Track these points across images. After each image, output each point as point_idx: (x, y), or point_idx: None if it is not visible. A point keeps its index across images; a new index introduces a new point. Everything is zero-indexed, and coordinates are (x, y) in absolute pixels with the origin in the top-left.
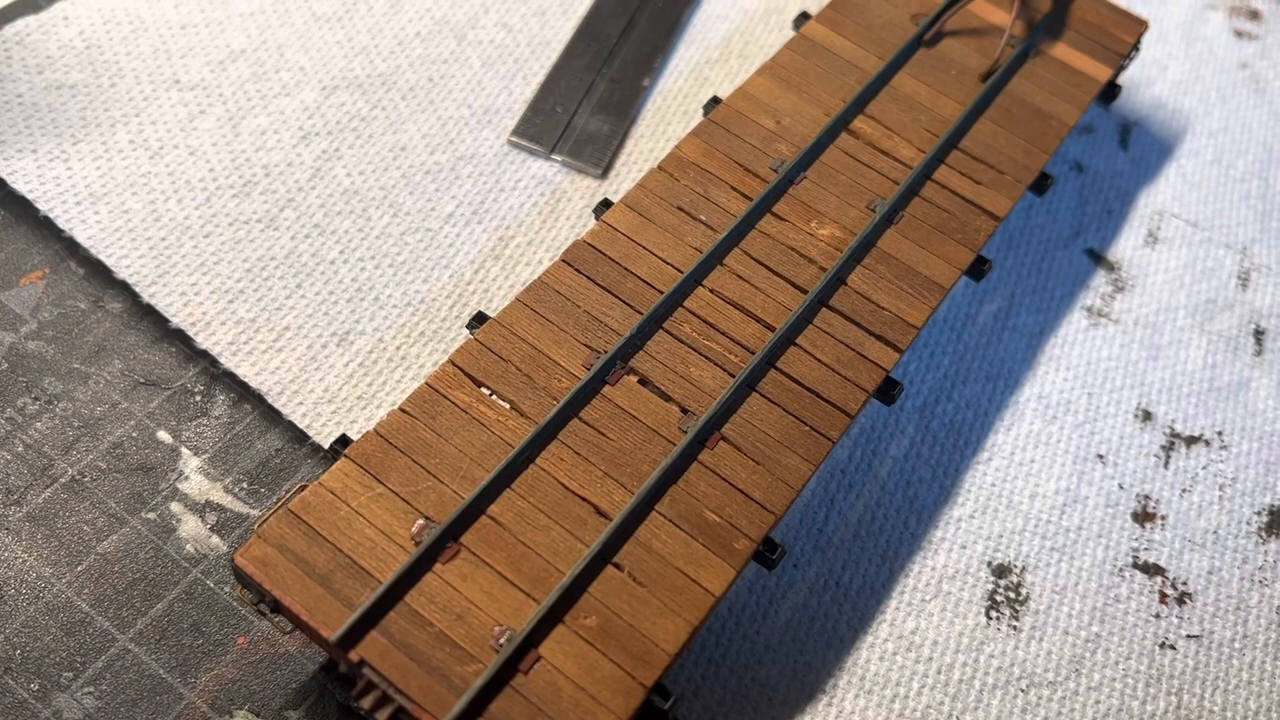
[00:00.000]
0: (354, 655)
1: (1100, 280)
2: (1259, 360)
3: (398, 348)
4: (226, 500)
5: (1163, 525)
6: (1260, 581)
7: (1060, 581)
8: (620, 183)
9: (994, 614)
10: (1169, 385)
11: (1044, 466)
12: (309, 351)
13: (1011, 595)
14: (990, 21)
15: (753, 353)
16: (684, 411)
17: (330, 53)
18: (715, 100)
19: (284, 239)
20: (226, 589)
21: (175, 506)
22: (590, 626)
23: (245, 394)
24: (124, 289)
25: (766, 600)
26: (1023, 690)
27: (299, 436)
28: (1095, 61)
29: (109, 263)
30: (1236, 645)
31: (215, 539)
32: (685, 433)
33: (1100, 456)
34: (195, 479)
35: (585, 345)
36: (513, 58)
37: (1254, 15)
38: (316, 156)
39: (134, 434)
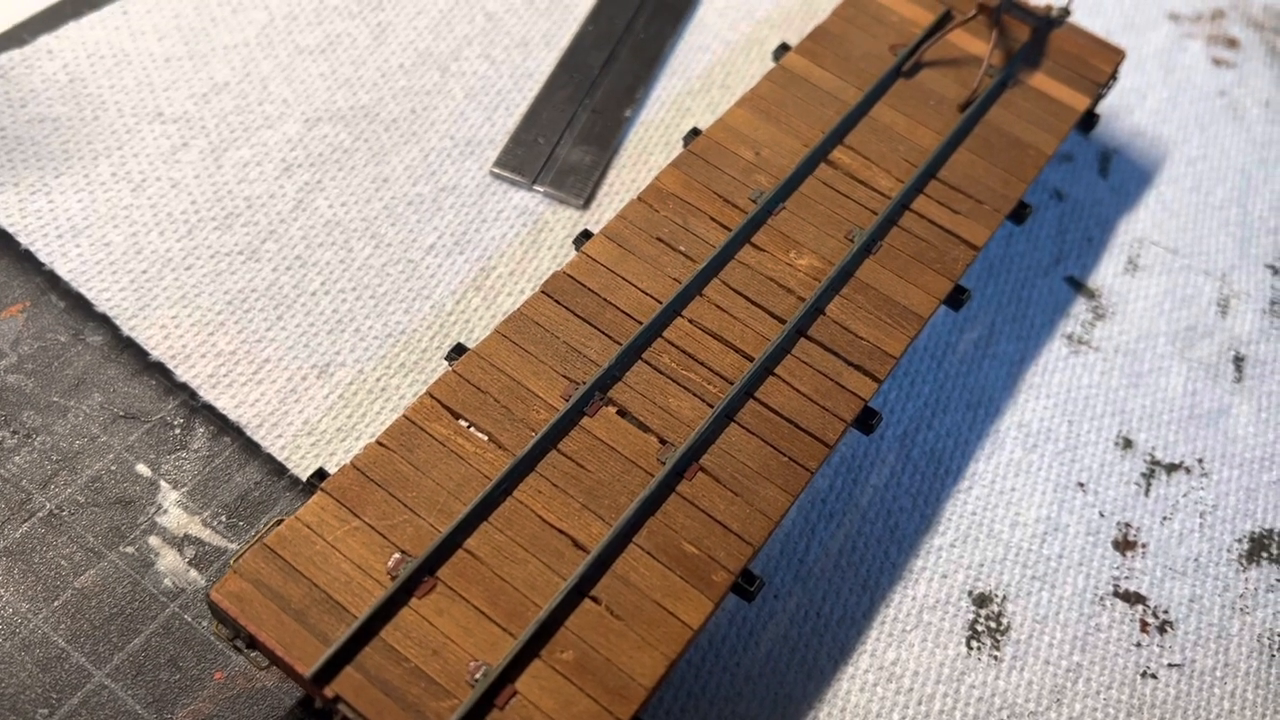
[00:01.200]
0: (329, 691)
1: (1080, 308)
2: (1239, 387)
3: (378, 379)
4: (205, 534)
5: (1143, 553)
6: (1241, 609)
7: (1041, 610)
8: (602, 213)
9: (975, 644)
10: (1149, 412)
11: (1025, 495)
12: (289, 384)
13: (992, 625)
14: (968, 52)
15: (731, 383)
16: (662, 442)
17: (313, 85)
18: (695, 132)
19: (265, 271)
20: (204, 624)
21: (153, 540)
22: (567, 661)
23: (225, 427)
24: (104, 322)
25: (746, 632)
26: None
27: (278, 469)
28: (1073, 91)
29: (90, 296)
30: (1218, 674)
31: (194, 573)
32: (664, 464)
33: (1081, 484)
34: (174, 512)
35: (564, 376)
36: (495, 89)
37: (1231, 43)
38: (299, 188)
39: (113, 467)
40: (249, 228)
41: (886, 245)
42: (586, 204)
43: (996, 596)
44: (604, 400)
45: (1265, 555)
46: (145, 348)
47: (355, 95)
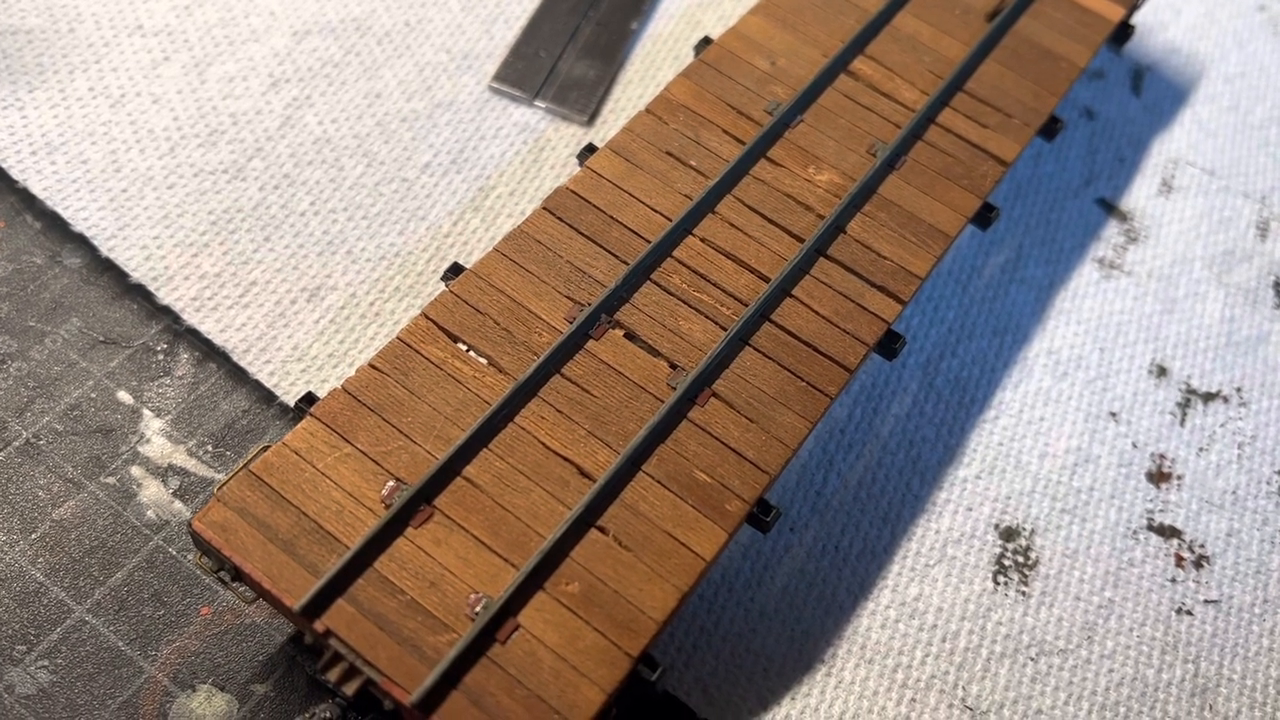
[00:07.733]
0: (319, 625)
1: (1112, 231)
2: (1279, 313)
3: (371, 303)
4: (190, 464)
5: (1179, 485)
6: None
7: (1071, 545)
8: (607, 130)
9: (1002, 579)
10: (1185, 340)
11: (1054, 425)
12: (277, 307)
13: (1020, 559)
14: None
15: (746, 305)
16: (673, 367)
17: None
18: (707, 40)
19: (252, 190)
20: (189, 557)
21: (136, 470)
22: (572, 593)
23: (210, 352)
24: (83, 243)
25: (761, 565)
26: (1032, 659)
27: (267, 396)
28: (1107, 0)
29: (67, 215)
30: (1256, 610)
31: (178, 504)
32: (674, 389)
33: (1113, 414)
34: (157, 441)
35: (568, 297)
36: (493, 0)
37: None
38: (287, 104)
39: (92, 395)
40: (234, 145)
41: (911, 160)
42: (590, 120)
43: (1024, 530)
44: (610, 323)
45: None
46: (125, 269)
47: (345, 6)
